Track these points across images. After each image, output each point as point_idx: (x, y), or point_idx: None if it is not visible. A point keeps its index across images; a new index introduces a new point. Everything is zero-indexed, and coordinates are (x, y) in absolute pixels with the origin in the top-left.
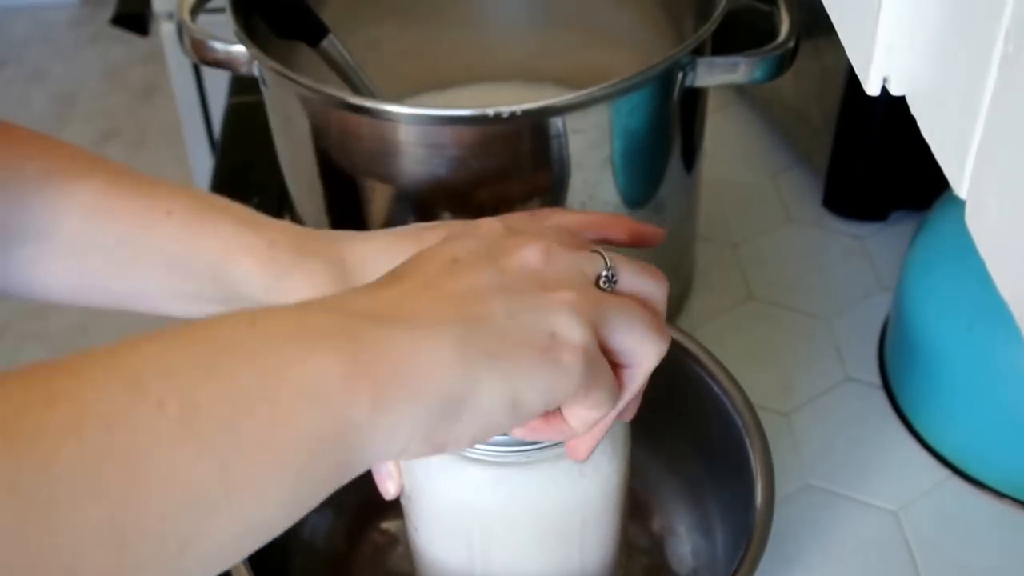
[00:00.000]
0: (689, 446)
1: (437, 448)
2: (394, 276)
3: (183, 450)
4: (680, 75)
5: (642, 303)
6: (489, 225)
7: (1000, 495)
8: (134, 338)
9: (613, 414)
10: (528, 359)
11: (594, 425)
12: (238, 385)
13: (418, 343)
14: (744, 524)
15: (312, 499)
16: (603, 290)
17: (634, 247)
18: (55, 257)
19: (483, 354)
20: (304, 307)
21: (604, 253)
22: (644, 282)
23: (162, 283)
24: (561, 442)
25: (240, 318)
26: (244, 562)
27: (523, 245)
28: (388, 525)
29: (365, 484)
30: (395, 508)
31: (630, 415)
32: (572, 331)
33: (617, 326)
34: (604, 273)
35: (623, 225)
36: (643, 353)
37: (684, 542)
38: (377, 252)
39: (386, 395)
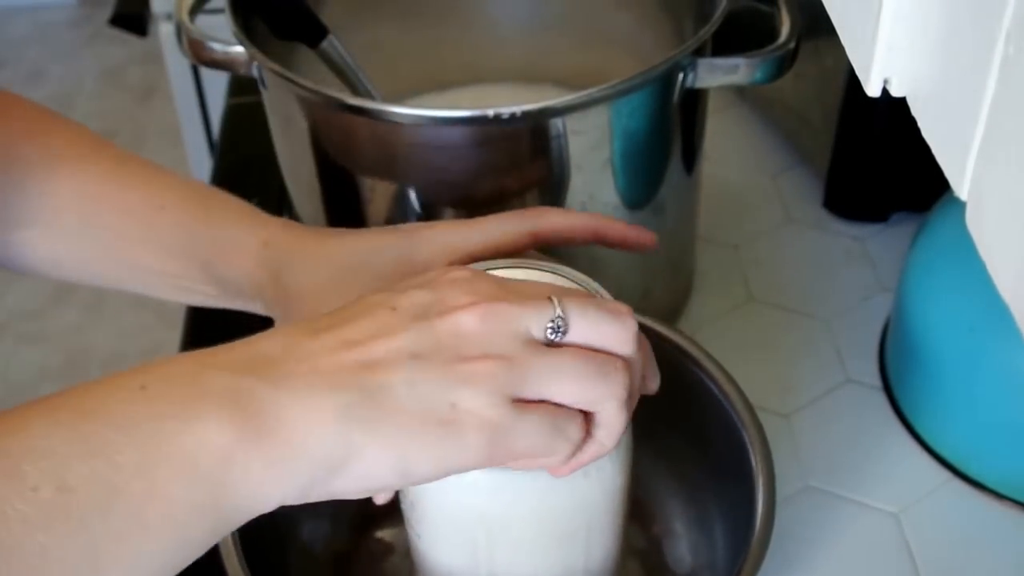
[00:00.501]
0: (689, 447)
1: (316, 499)
2: (323, 324)
3: (54, 533)
4: (680, 76)
5: (589, 349)
6: (452, 278)
7: (1001, 497)
8: (29, 408)
9: (593, 451)
10: (419, 430)
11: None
12: (115, 463)
13: (305, 409)
14: (744, 523)
15: (187, 561)
16: (551, 341)
17: (626, 250)
18: (55, 240)
19: (368, 423)
20: (207, 361)
21: (557, 301)
22: (600, 328)
23: (157, 274)
24: None
25: (134, 381)
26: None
27: (461, 309)
28: (383, 534)
29: None
30: (391, 517)
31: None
32: (475, 403)
33: (550, 383)
34: (549, 325)
35: (615, 228)
36: (592, 400)
37: (683, 541)
38: (369, 251)
39: (265, 460)
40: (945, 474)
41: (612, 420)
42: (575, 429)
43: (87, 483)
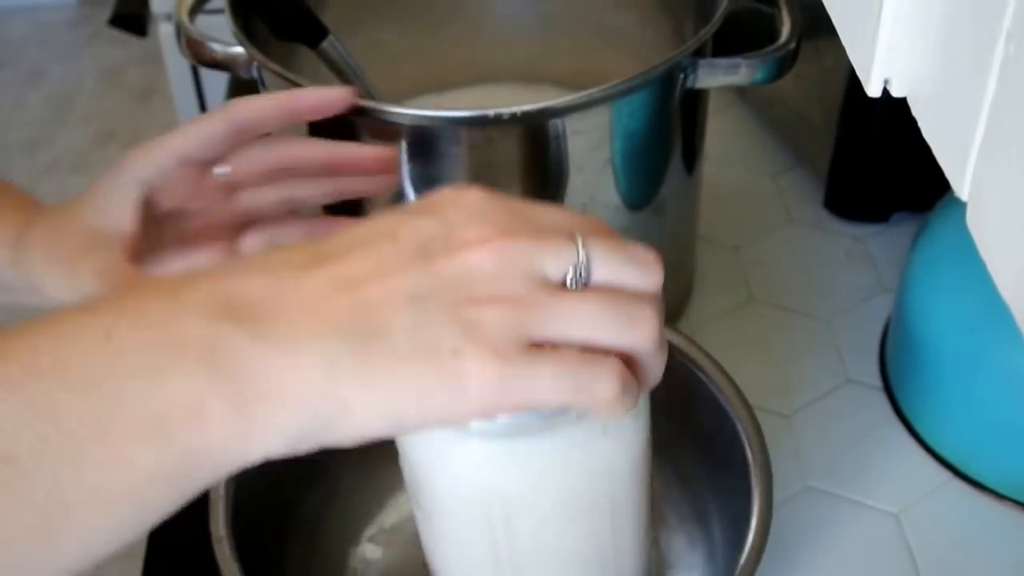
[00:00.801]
0: (688, 446)
1: (305, 451)
2: (314, 255)
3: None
4: (681, 77)
5: (612, 292)
6: (463, 203)
7: (1001, 497)
8: None
9: (644, 391)
10: (416, 380)
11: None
12: (71, 429)
13: (289, 365)
14: (741, 519)
15: (151, 524)
16: (568, 287)
17: (324, 113)
18: None
19: (358, 376)
20: (181, 299)
21: (580, 242)
22: (623, 273)
23: None
24: None
25: (98, 328)
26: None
27: (472, 246)
28: (383, 533)
29: (360, 484)
30: (394, 510)
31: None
32: (479, 350)
33: (568, 327)
34: (570, 273)
35: (305, 97)
36: (622, 342)
37: (682, 538)
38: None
39: (244, 421)
40: (945, 474)
41: (647, 367)
42: (604, 382)
43: (33, 452)
